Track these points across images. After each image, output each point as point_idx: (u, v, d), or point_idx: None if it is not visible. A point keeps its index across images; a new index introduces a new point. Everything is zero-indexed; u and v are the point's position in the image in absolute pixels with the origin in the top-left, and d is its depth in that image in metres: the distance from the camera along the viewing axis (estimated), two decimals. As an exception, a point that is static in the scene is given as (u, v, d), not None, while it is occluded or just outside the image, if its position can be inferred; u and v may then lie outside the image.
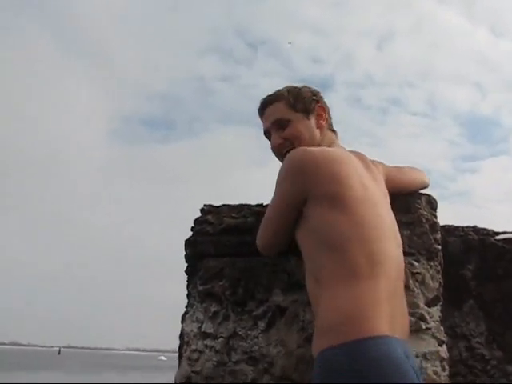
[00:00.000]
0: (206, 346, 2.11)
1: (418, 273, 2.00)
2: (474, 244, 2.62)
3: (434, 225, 2.10)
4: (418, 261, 2.02)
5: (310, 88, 2.11)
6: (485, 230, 2.75)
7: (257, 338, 2.05)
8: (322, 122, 2.06)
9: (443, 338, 1.98)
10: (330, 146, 2.00)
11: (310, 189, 1.78)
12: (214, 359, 2.08)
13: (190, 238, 2.26)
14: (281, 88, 2.10)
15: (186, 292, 2.29)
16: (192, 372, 2.11)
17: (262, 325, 2.06)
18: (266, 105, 2.09)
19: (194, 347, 2.13)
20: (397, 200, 1.99)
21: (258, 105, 2.13)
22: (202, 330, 2.13)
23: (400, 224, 1.91)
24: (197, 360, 2.11)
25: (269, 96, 2.10)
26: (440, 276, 2.07)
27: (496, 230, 2.78)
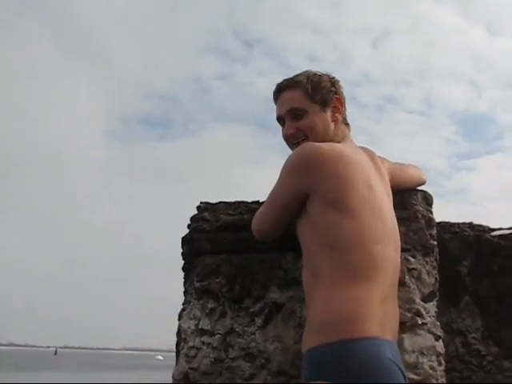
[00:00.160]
0: (203, 342, 2.12)
1: (414, 268, 2.01)
2: (469, 240, 2.63)
3: (429, 221, 2.10)
4: (414, 256, 2.02)
5: (329, 76, 2.04)
6: (480, 226, 2.76)
7: (254, 334, 2.06)
8: (337, 115, 2.00)
9: (439, 333, 1.99)
10: (341, 141, 1.97)
11: (313, 187, 1.77)
12: (212, 356, 2.09)
13: (186, 235, 2.26)
14: (300, 72, 2.04)
15: (183, 289, 2.30)
16: (189, 369, 2.12)
17: (258, 321, 2.06)
18: (282, 89, 2.02)
19: (191, 344, 2.14)
20: (393, 196, 2.00)
21: (274, 87, 2.05)
22: (199, 326, 2.14)
23: (396, 220, 1.92)
24: (194, 357, 2.12)
25: (286, 80, 2.03)
26: (436, 272, 2.07)
27: (491, 226, 2.79)
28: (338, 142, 1.96)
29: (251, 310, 2.09)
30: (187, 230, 2.28)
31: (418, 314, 1.96)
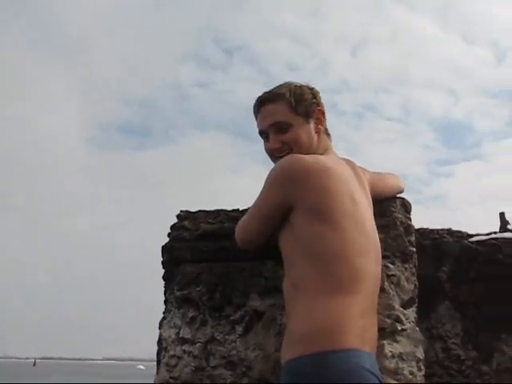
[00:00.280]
0: (184, 351, 2.11)
1: (393, 275, 2.02)
2: (448, 246, 2.65)
3: (408, 227, 2.12)
4: (393, 263, 2.04)
5: (310, 88, 2.03)
6: (459, 232, 2.79)
7: (234, 342, 2.06)
8: (320, 126, 2.00)
9: (419, 338, 2.00)
10: (324, 153, 1.97)
11: (297, 199, 1.77)
12: (193, 364, 2.09)
13: (166, 243, 2.26)
14: (280, 85, 2.02)
15: (163, 298, 2.29)
16: (170, 378, 2.11)
17: (239, 329, 2.07)
18: (264, 102, 1.99)
19: (172, 353, 2.13)
20: (373, 204, 2.01)
21: (254, 101, 2.03)
22: (180, 335, 2.14)
23: (376, 227, 1.93)
24: (175, 366, 2.11)
25: (268, 93, 2.01)
26: (415, 278, 2.09)
27: (470, 232, 2.82)
28: (321, 153, 1.96)
29: (232, 318, 2.09)
30: (167, 239, 2.27)
31: (398, 321, 1.97)
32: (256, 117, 2.03)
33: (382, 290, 1.94)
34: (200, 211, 2.27)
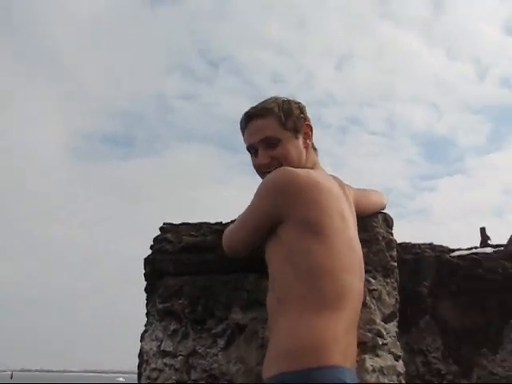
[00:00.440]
0: (165, 364, 2.10)
1: (374, 289, 2.03)
2: (430, 261, 2.67)
3: (390, 242, 2.13)
4: (374, 278, 2.05)
5: (296, 103, 2.03)
6: (441, 247, 2.81)
7: (216, 355, 2.05)
8: (308, 141, 2.01)
9: (400, 353, 2.02)
10: (313, 168, 1.97)
11: (287, 212, 1.75)
12: (174, 377, 2.08)
13: (149, 256, 2.26)
14: (268, 99, 2.02)
15: (145, 311, 2.29)
16: (151, 391, 2.10)
17: (221, 342, 2.06)
18: (252, 117, 1.99)
19: (153, 366, 2.13)
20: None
21: (242, 116, 2.03)
22: (162, 348, 2.13)
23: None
24: (156, 379, 2.11)
25: (256, 108, 2.00)
26: (396, 292, 2.10)
27: (452, 246, 2.84)
28: (310, 168, 1.96)
29: (214, 331, 2.08)
30: (150, 251, 2.27)
31: (379, 335, 1.98)
32: (243, 132, 2.03)
33: (364, 304, 1.95)
34: (183, 224, 2.27)
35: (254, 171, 2.02)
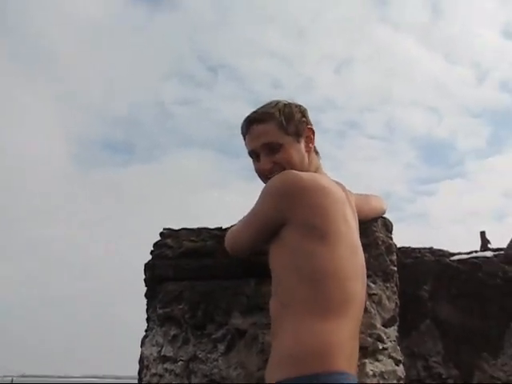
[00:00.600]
0: (165, 369, 2.10)
1: (374, 294, 2.03)
2: (430, 265, 2.67)
3: (389, 247, 2.14)
4: (374, 282, 2.05)
5: (297, 106, 2.01)
6: (441, 251, 2.82)
7: (217, 360, 2.05)
8: (310, 145, 2.00)
9: (400, 357, 2.02)
10: (316, 172, 1.96)
11: (291, 216, 1.74)
12: (174, 383, 2.07)
13: (149, 261, 2.26)
14: (268, 103, 2.01)
15: (146, 316, 2.29)
16: (152, 396, 2.10)
17: (221, 348, 2.06)
18: (253, 122, 1.97)
19: (153, 371, 2.12)
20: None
21: (243, 121, 2.01)
22: (162, 353, 2.13)
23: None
24: (157, 384, 2.10)
25: (257, 113, 1.99)
26: (396, 297, 2.10)
27: (452, 250, 2.85)
28: (314, 172, 1.95)
29: (214, 336, 2.08)
30: (150, 256, 2.27)
31: (379, 339, 1.98)
32: (244, 137, 2.01)
33: (364, 309, 1.95)
34: (183, 229, 2.27)
35: (254, 175, 2.02)
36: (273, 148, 1.93)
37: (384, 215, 2.21)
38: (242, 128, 2.01)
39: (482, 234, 3.06)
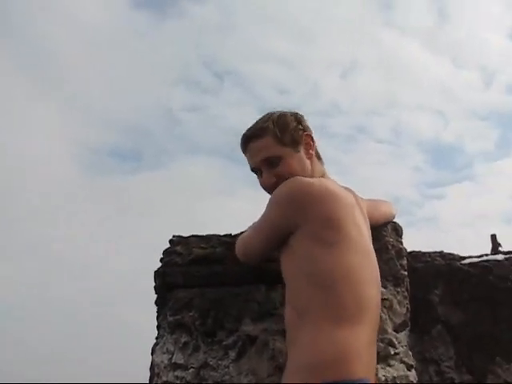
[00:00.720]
0: (176, 377, 2.09)
1: (385, 299, 2.03)
2: (440, 269, 2.65)
3: (400, 251, 2.13)
4: (385, 287, 2.04)
5: (293, 114, 2.00)
6: (451, 254, 2.80)
7: (227, 367, 2.04)
8: (310, 151, 1.98)
9: (412, 362, 2.01)
10: (322, 177, 1.95)
11: (300, 224, 1.73)
12: (185, 390, 2.07)
13: (159, 268, 2.26)
14: (263, 117, 2.00)
15: (156, 323, 2.29)
16: (163, 404, 2.09)
17: (232, 354, 2.05)
18: (250, 139, 1.97)
19: (164, 379, 2.12)
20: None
21: (240, 139, 2.01)
22: (173, 361, 2.12)
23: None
24: (168, 392, 2.10)
25: (252, 129, 1.98)
26: (407, 301, 2.10)
27: (462, 254, 2.83)
28: (320, 178, 1.94)
29: (224, 343, 2.07)
30: (160, 264, 2.27)
31: (391, 344, 1.97)
32: (245, 155, 2.01)
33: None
34: (192, 236, 2.27)
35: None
36: (272, 162, 1.92)
37: (394, 220, 2.20)
38: (241, 146, 2.01)
39: (493, 237, 3.04)
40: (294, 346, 1.68)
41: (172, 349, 2.14)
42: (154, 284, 2.28)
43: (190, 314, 2.13)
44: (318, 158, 2.04)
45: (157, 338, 2.26)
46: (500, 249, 3.00)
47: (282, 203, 1.78)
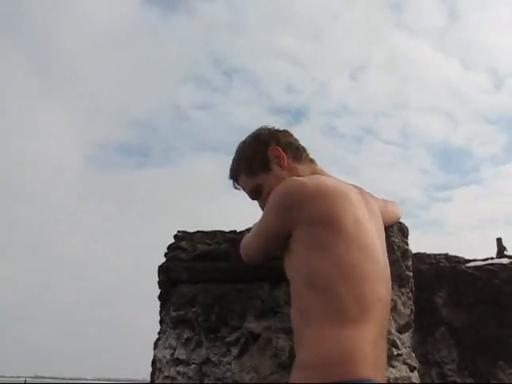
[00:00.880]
0: (178, 372, 2.09)
1: (389, 299, 2.01)
2: (445, 271, 2.65)
3: (405, 252, 2.12)
4: (389, 287, 2.03)
5: (255, 135, 2.09)
6: (456, 257, 2.79)
7: (230, 364, 2.04)
8: (282, 162, 2.00)
9: (415, 364, 2.00)
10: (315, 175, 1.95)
11: (294, 225, 1.74)
12: (187, 386, 2.06)
13: (163, 264, 2.25)
14: (235, 151, 2.10)
15: (159, 318, 2.28)
16: (164, 399, 2.09)
17: (234, 351, 2.05)
18: (233, 181, 2.12)
19: (166, 374, 2.12)
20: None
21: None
22: (175, 356, 2.12)
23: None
24: (169, 387, 2.10)
25: (230, 173, 2.12)
26: (411, 303, 2.09)
27: (467, 257, 2.83)
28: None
29: (227, 339, 2.07)
30: (164, 259, 2.27)
31: (394, 345, 1.96)
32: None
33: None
34: (197, 232, 2.27)
35: None
36: (257, 191, 2.04)
37: (400, 219, 2.19)
38: (234, 187, 2.15)
39: (499, 240, 3.04)
40: (300, 347, 1.68)
41: (174, 344, 2.14)
42: (157, 279, 2.28)
43: (194, 309, 2.13)
44: (299, 159, 2.06)
45: (159, 333, 2.25)
46: (505, 252, 3.00)
47: (275, 207, 1.81)
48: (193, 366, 2.08)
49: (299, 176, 1.93)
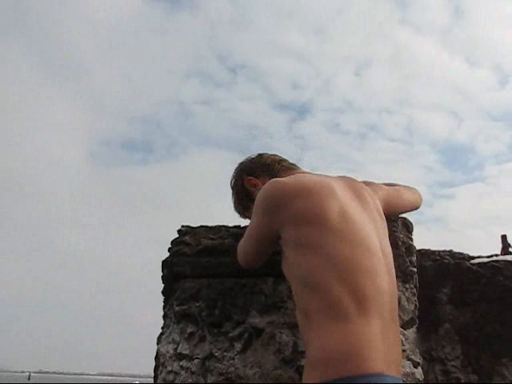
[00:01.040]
0: (181, 367, 2.09)
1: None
2: (449, 268, 2.64)
3: (409, 248, 2.11)
4: (393, 283, 2.03)
5: (232, 176, 2.26)
6: (460, 254, 2.78)
7: (233, 359, 2.04)
8: (259, 185, 2.08)
9: (418, 359, 1.99)
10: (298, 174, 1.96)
11: (279, 227, 1.76)
12: (190, 380, 2.06)
13: (166, 258, 2.26)
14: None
15: (162, 313, 2.28)
16: (167, 394, 2.09)
17: (238, 346, 2.05)
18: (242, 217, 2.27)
19: (169, 368, 2.12)
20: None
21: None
22: (178, 351, 2.12)
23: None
24: (172, 381, 2.10)
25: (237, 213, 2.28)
26: (415, 298, 2.08)
27: (471, 254, 2.81)
28: None
29: (231, 334, 2.07)
30: (168, 254, 2.27)
31: (398, 341, 1.96)
32: None
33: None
34: (201, 226, 2.27)
35: None
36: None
37: (404, 215, 2.18)
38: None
39: (503, 237, 3.03)
40: (309, 346, 1.66)
41: (178, 339, 2.14)
42: (161, 274, 2.28)
43: (197, 304, 2.13)
44: (276, 172, 2.11)
45: (162, 328, 2.26)
46: (510, 249, 2.99)
47: (260, 210, 1.82)
48: (196, 360, 2.08)
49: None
